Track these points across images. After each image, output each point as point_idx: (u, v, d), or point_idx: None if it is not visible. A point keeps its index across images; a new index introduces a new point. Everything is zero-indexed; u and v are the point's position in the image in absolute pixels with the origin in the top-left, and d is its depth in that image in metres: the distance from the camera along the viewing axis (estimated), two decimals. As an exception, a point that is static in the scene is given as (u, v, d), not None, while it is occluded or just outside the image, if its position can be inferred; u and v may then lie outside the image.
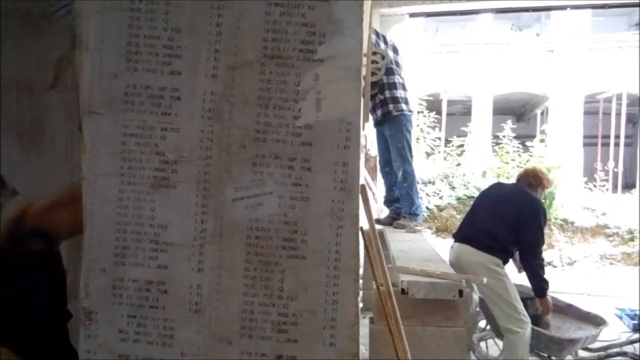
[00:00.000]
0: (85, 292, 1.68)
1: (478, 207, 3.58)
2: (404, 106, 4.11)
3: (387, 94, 4.09)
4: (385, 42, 4.24)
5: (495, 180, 7.92)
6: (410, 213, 4.31)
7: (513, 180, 4.14)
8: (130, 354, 1.66)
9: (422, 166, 10.01)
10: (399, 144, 4.16)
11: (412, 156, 4.21)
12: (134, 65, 1.67)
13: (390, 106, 4.09)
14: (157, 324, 1.66)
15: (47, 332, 1.90)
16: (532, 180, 3.54)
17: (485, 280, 3.12)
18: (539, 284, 3.35)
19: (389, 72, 4.11)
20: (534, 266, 3.31)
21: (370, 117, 4.28)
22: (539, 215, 3.37)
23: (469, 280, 2.93)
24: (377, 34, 4.19)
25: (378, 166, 5.31)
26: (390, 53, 4.19)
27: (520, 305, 3.26)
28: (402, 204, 4.37)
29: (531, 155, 10.45)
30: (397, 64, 4.23)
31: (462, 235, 3.50)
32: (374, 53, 3.97)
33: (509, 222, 3.32)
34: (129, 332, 1.66)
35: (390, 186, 4.51)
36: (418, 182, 4.50)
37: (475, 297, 3.65)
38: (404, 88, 4.17)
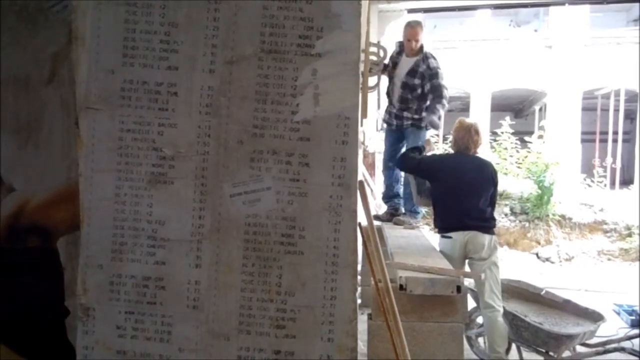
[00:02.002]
0: (82, 288, 1.67)
1: (456, 191, 3.60)
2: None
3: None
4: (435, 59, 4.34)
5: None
6: (411, 210, 4.36)
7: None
8: (128, 350, 1.66)
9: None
10: (420, 141, 4.28)
11: None
12: (131, 61, 1.66)
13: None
14: (154, 320, 1.66)
15: (45, 329, 1.89)
16: (467, 146, 3.65)
17: (483, 276, 3.14)
18: None
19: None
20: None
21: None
22: (496, 177, 3.72)
23: (468, 276, 2.94)
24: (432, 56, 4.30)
25: (380, 162, 5.38)
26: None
27: (500, 286, 3.50)
28: (405, 201, 4.41)
29: (529, 151, 10.44)
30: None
31: (462, 224, 3.52)
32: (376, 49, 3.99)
33: (486, 196, 3.58)
34: (127, 328, 1.66)
35: (390, 182, 4.54)
36: None
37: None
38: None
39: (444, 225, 3.66)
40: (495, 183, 3.66)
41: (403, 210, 4.47)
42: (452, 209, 3.62)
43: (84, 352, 1.68)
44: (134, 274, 1.66)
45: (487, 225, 3.52)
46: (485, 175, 3.61)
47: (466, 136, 3.64)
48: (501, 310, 3.38)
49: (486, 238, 3.46)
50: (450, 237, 3.54)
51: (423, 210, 4.99)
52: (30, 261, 1.90)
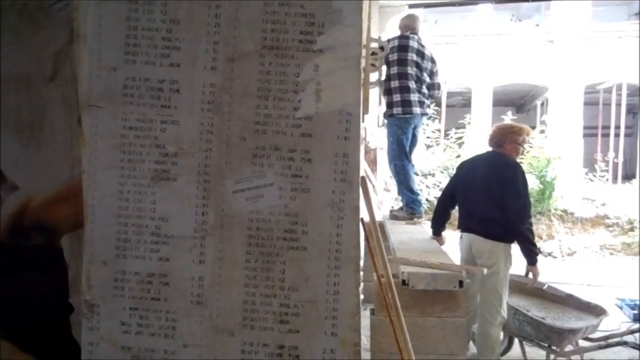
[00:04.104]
0: (87, 285, 1.68)
1: (466, 190, 3.50)
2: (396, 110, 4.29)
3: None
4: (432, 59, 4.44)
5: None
6: (406, 205, 4.39)
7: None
8: (133, 346, 1.67)
9: (422, 158, 10.00)
10: (391, 137, 4.33)
11: (404, 153, 4.29)
12: (133, 58, 1.67)
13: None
14: (159, 316, 1.66)
15: (49, 326, 1.90)
16: (498, 140, 3.48)
17: (485, 271, 3.12)
18: (530, 249, 3.24)
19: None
20: (523, 231, 3.20)
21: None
22: (517, 179, 3.26)
23: (470, 271, 2.94)
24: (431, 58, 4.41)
25: (381, 158, 5.46)
26: (429, 64, 4.41)
27: (505, 299, 3.25)
28: (403, 196, 4.45)
29: (531, 146, 10.43)
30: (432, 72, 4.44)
31: (466, 225, 3.50)
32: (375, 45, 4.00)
33: (496, 199, 3.26)
34: (132, 325, 1.67)
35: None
36: (417, 174, 4.58)
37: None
38: (401, 91, 4.28)
39: (458, 224, 3.60)
40: (504, 188, 3.24)
41: (419, 208, 4.51)
42: (462, 208, 3.58)
43: (89, 348, 1.69)
44: (138, 271, 1.67)
45: (490, 230, 3.24)
46: (497, 176, 3.30)
47: (495, 131, 3.53)
48: (495, 322, 3.21)
49: (487, 244, 3.24)
50: (461, 237, 3.53)
51: (424, 206, 5.01)
52: (35, 259, 1.91)
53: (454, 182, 3.70)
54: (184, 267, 1.66)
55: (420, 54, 4.33)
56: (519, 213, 3.23)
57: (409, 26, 4.43)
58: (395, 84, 4.23)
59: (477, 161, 3.62)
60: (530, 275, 3.37)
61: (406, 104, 4.23)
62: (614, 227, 9.36)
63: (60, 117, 1.91)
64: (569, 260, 8.77)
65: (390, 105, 4.27)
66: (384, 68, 4.36)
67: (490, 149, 3.59)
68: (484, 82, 12.44)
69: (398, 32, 4.52)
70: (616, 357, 3.81)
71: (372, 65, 4.07)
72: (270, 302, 1.64)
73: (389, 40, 4.30)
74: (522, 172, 3.35)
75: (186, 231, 1.66)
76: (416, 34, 4.39)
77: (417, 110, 4.27)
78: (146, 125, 1.67)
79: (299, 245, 1.64)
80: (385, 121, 4.61)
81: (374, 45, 4.25)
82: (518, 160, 3.56)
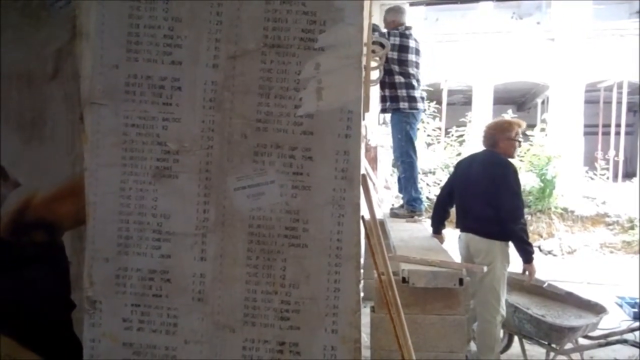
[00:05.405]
0: (89, 281, 1.69)
1: (463, 189, 3.51)
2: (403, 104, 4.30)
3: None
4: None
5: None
6: (407, 203, 4.39)
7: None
8: (135, 342, 1.68)
9: (423, 156, 10.01)
10: (399, 134, 4.28)
11: (413, 149, 4.30)
12: (135, 56, 1.67)
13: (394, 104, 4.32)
14: (160, 312, 1.67)
15: (51, 323, 1.91)
16: (490, 140, 3.46)
17: (485, 268, 3.12)
18: (524, 248, 3.23)
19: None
20: (516, 231, 3.17)
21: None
22: (508, 178, 3.24)
23: (470, 269, 2.95)
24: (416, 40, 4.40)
25: (382, 156, 5.46)
26: (413, 57, 4.39)
27: (503, 298, 3.25)
28: (404, 193, 4.46)
29: (531, 145, 10.43)
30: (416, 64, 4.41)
31: (463, 224, 3.51)
32: (374, 42, 4.00)
33: (490, 198, 3.26)
34: (133, 321, 1.68)
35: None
36: (419, 173, 4.59)
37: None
38: (407, 87, 4.28)
39: (456, 224, 3.60)
40: (496, 187, 3.22)
41: (420, 206, 4.50)
42: (458, 209, 3.58)
43: (90, 344, 1.70)
44: (140, 267, 1.68)
45: (486, 229, 3.24)
46: (490, 175, 3.29)
47: (486, 130, 3.54)
48: (495, 321, 3.21)
49: (484, 243, 3.24)
50: (460, 237, 3.53)
51: (425, 204, 5.01)
52: (36, 256, 1.92)
53: (452, 180, 3.72)
54: (186, 264, 1.67)
55: (418, 52, 4.35)
56: (511, 212, 3.21)
57: (397, 21, 4.38)
58: (400, 79, 4.25)
59: (473, 160, 3.63)
60: (527, 273, 3.36)
61: (412, 99, 4.28)
62: (614, 226, 9.37)
63: (61, 115, 1.91)
64: (569, 258, 8.78)
65: (395, 99, 4.27)
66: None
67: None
68: (484, 80, 12.43)
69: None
70: (616, 355, 3.82)
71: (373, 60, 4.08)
72: (271, 299, 1.65)
73: (388, 34, 4.29)
74: (515, 171, 3.33)
75: (187, 228, 1.67)
76: (410, 29, 4.37)
77: (420, 106, 4.32)
78: (148, 123, 1.67)
79: (300, 242, 1.64)
80: (388, 118, 4.62)
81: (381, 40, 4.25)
82: (516, 156, 3.56)
